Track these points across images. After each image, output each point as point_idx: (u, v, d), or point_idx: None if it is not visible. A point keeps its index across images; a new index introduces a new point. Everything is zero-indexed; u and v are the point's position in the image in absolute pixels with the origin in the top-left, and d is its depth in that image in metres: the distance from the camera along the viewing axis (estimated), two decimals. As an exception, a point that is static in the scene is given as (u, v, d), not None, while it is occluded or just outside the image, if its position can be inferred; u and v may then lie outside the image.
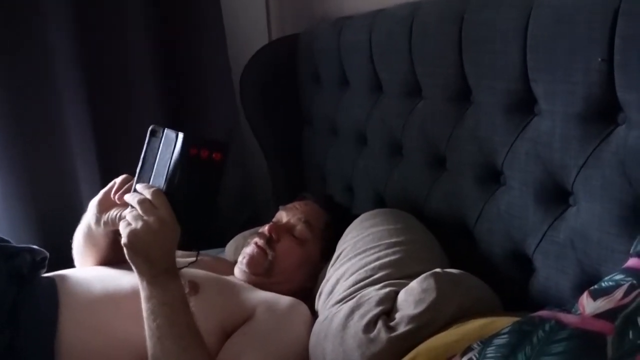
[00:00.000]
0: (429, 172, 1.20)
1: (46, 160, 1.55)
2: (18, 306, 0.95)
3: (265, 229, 1.21)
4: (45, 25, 1.49)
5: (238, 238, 1.48)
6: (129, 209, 0.90)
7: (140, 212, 0.87)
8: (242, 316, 1.03)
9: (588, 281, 0.84)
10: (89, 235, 1.08)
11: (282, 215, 1.25)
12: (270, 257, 1.16)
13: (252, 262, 1.16)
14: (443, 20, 1.10)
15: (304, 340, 0.99)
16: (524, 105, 0.96)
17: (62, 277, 1.04)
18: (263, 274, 1.16)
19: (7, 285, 0.96)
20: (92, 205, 1.03)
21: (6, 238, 1.08)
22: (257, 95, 1.73)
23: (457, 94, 1.10)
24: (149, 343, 0.88)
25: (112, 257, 1.08)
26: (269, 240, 1.18)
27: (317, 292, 1.09)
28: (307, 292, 1.16)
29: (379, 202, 1.38)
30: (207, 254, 1.36)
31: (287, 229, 1.21)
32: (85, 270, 1.13)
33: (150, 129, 0.93)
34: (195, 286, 1.02)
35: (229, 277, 1.17)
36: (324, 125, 1.61)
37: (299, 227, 1.21)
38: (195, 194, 0.90)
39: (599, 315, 0.61)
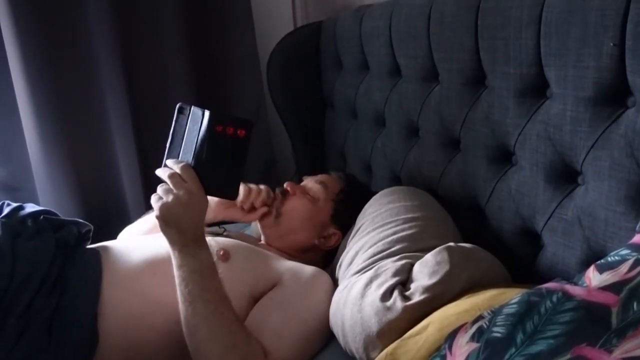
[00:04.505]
0: (443, 152, 1.19)
1: (89, 150, 1.57)
2: (65, 273, 0.97)
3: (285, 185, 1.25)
4: (87, 17, 1.50)
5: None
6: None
7: (170, 185, 0.88)
8: (270, 282, 1.04)
9: (594, 257, 0.83)
10: None
11: (304, 181, 1.29)
12: (279, 208, 1.20)
13: (264, 213, 1.21)
14: (460, 7, 1.08)
15: (325, 306, 1.00)
16: (536, 89, 0.94)
17: (105, 247, 1.06)
18: (273, 225, 1.20)
19: (55, 253, 0.98)
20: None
21: (54, 211, 1.10)
22: (282, 79, 1.73)
23: (472, 79, 1.08)
24: (181, 307, 0.89)
25: None
26: (284, 193, 1.23)
27: (337, 263, 1.10)
28: (319, 254, 1.20)
29: (396, 181, 1.37)
30: (232, 230, 1.37)
31: (304, 189, 1.24)
32: (126, 241, 1.14)
33: (177, 106, 0.91)
34: (226, 254, 1.04)
35: (257, 247, 1.18)
36: (344, 108, 1.60)
37: (314, 187, 1.24)
38: (221, 169, 0.90)
39: (605, 288, 0.60)
